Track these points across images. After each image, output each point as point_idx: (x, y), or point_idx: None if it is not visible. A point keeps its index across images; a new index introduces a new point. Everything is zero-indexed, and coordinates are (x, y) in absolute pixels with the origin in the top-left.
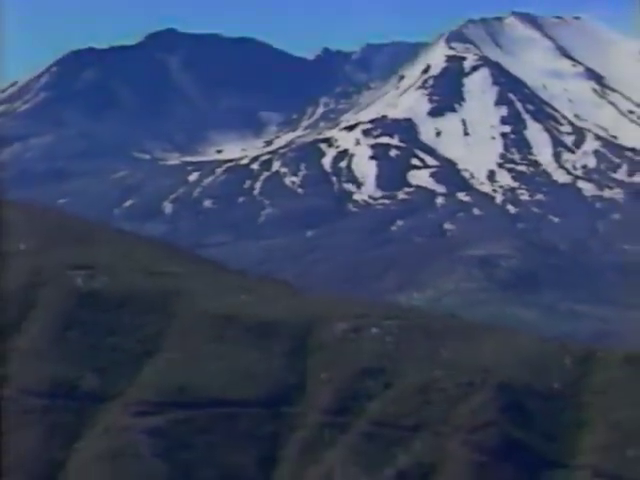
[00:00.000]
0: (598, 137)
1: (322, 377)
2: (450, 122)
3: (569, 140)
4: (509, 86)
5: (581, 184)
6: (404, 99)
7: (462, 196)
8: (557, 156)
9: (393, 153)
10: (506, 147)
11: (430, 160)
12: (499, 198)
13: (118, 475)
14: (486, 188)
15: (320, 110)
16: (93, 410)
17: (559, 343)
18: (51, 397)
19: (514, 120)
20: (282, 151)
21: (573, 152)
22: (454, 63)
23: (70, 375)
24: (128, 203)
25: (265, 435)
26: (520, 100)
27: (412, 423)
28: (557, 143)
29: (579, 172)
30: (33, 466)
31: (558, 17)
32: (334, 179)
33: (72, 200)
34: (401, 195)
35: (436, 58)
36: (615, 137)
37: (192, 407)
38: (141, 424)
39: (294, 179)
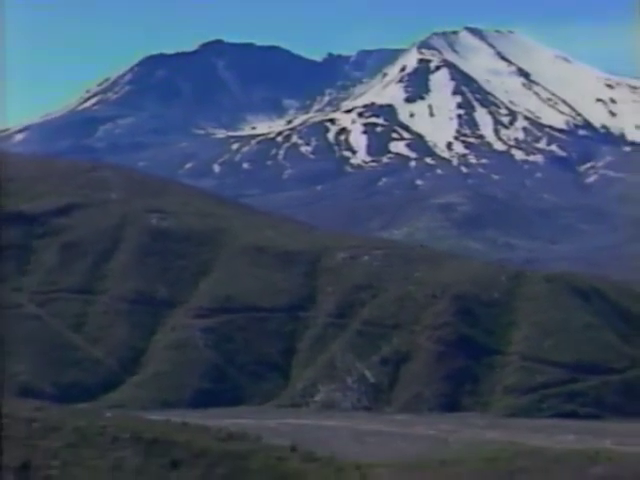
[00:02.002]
0: (526, 118)
1: (328, 291)
2: (420, 107)
3: (505, 120)
4: (462, 81)
5: (514, 151)
6: (387, 90)
7: (428, 160)
8: (496, 131)
9: (379, 129)
10: (460, 125)
11: (405, 134)
12: (455, 162)
13: (181, 359)
14: (446, 154)
15: (326, 98)
16: (164, 313)
17: (498, 266)
18: (134, 303)
19: (466, 105)
20: (299, 128)
21: (508, 128)
22: (423, 64)
23: (148, 288)
24: (188, 165)
25: (286, 332)
26: (470, 91)
27: (392, 323)
28: (496, 122)
29: (512, 143)
30: (123, 352)
31: (497, 31)
32: (336, 148)
33: (148, 163)
34: (384, 160)
35: (410, 60)
36: (538, 117)
37: (234, 312)
38: (197, 324)
39: (307, 148)
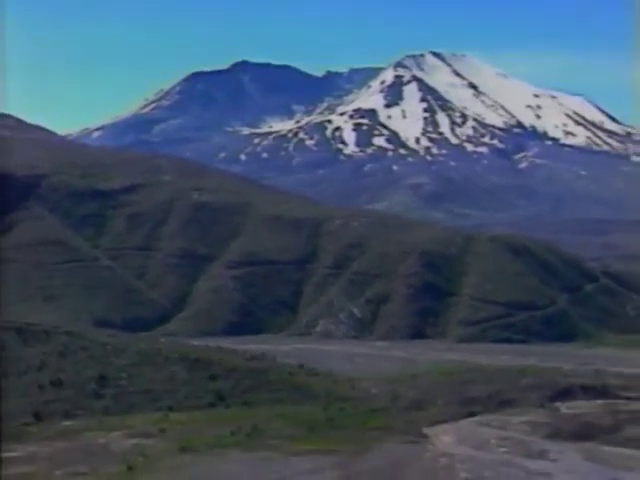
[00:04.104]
0: (475, 119)
1: (327, 249)
2: (395, 111)
3: (459, 120)
4: (427, 92)
5: (465, 144)
6: (371, 98)
7: (402, 151)
8: (452, 129)
9: (364, 127)
10: (425, 124)
11: (385, 131)
12: (422, 152)
13: (216, 300)
14: (415, 147)
15: (325, 104)
16: (203, 266)
17: (454, 230)
18: (182, 258)
19: (430, 110)
20: (304, 127)
21: (461, 127)
22: (398, 79)
23: (192, 247)
24: (222, 155)
25: (296, 279)
26: (433, 99)
27: (374, 273)
28: (453, 122)
29: (464, 138)
30: (173, 294)
31: (454, 54)
32: (332, 142)
33: (192, 154)
34: (369, 151)
35: (388, 76)
36: (484, 119)
37: (257, 264)
38: (229, 273)
39: (311, 142)
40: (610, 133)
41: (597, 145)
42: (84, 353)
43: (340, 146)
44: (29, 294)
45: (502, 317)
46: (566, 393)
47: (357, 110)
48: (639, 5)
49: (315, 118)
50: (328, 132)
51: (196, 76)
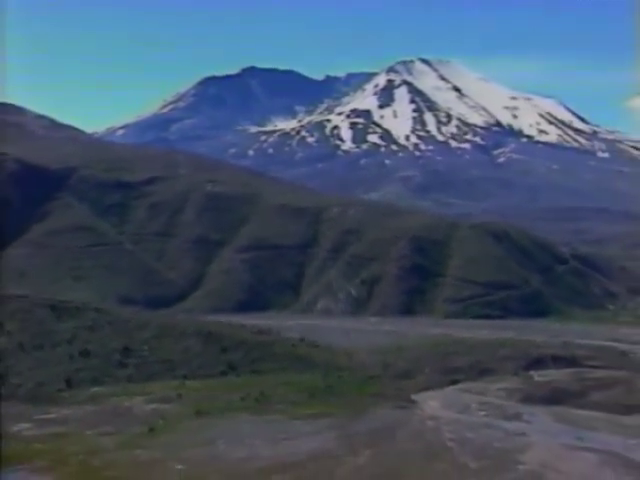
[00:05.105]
0: (458, 119)
1: (327, 234)
2: (387, 111)
3: (444, 120)
4: (416, 94)
5: (450, 141)
6: (365, 100)
7: (393, 147)
8: (438, 128)
9: (360, 126)
10: (414, 123)
11: (378, 129)
12: (411, 148)
13: (227, 281)
14: (405, 143)
15: (324, 105)
16: (216, 250)
17: (440, 218)
18: (197, 243)
19: (418, 111)
20: (306, 126)
21: (446, 126)
22: (390, 82)
23: (205, 233)
24: (232, 151)
25: (298, 262)
26: (421, 101)
27: (369, 257)
28: (439, 122)
29: (449, 135)
30: (189, 275)
31: (440, 60)
32: (331, 139)
33: (206, 149)
34: (364, 147)
35: (381, 80)
36: (466, 118)
37: (264, 249)
38: (238, 257)
39: (312, 139)
40: (579, 132)
41: (567, 142)
42: (110, 327)
43: (338, 143)
44: (61, 275)
45: (482, 296)
46: (538, 363)
47: (353, 110)
48: (608, 14)
49: (315, 118)
50: (327, 130)
51: (209, 80)
